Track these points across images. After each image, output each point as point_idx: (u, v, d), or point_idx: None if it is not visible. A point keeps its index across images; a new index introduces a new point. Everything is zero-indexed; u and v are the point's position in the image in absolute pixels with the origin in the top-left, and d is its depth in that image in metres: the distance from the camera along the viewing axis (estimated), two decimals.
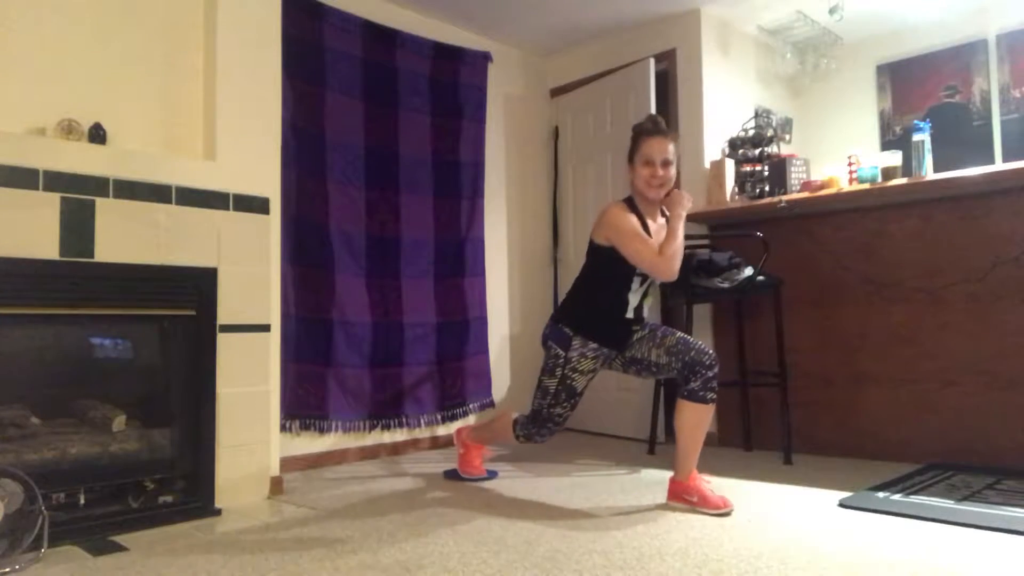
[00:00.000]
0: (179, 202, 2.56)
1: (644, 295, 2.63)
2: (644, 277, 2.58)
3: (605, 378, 4.24)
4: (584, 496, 2.72)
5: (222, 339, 2.64)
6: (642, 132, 2.58)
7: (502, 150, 4.38)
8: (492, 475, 3.09)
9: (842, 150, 3.98)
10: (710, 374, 2.47)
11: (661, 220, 2.65)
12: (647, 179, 2.53)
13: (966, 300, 3.10)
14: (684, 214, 2.56)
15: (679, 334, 2.58)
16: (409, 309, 3.78)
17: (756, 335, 3.66)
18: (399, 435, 3.72)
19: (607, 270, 2.58)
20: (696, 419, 2.50)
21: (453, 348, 3.97)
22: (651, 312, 2.75)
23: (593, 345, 2.59)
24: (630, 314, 2.61)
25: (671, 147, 2.54)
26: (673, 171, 2.55)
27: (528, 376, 4.40)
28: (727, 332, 3.78)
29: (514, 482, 3.01)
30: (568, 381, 2.61)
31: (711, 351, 2.51)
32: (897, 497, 2.54)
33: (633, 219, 2.53)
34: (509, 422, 2.84)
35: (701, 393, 2.47)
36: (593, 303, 2.63)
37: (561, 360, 2.61)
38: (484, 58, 4.22)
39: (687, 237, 2.83)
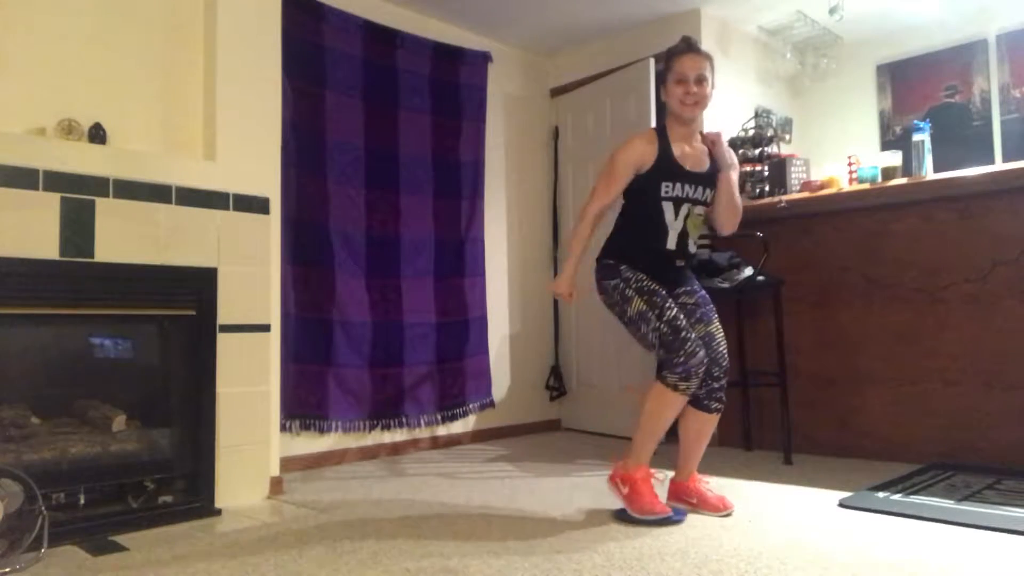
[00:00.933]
0: (179, 202, 2.56)
1: (685, 224, 2.45)
2: (676, 201, 2.43)
3: (605, 378, 4.24)
4: (584, 496, 2.72)
5: (222, 339, 2.64)
6: (674, 52, 2.48)
7: (502, 150, 4.38)
8: (680, 515, 2.37)
9: (842, 150, 3.99)
10: (716, 385, 2.43)
11: (698, 144, 2.52)
12: (681, 97, 2.42)
13: (966, 300, 3.10)
14: (731, 169, 2.49)
15: (711, 327, 2.45)
16: (409, 309, 3.78)
17: (756, 335, 3.66)
18: (399, 435, 3.72)
19: (638, 199, 2.48)
20: (699, 426, 2.48)
21: (453, 348, 3.97)
22: (696, 242, 2.55)
23: (641, 275, 2.43)
24: (671, 245, 2.44)
25: (706, 64, 2.45)
26: (708, 89, 2.44)
27: (528, 376, 4.40)
28: (727, 332, 3.74)
29: (514, 482, 3.01)
30: (646, 288, 2.39)
31: (726, 362, 2.43)
32: (897, 497, 2.54)
33: (630, 157, 2.43)
34: (651, 388, 2.39)
35: (706, 402, 2.44)
36: (634, 234, 2.50)
37: (621, 285, 2.43)
38: (484, 58, 4.22)
39: None
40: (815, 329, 3.51)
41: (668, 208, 2.44)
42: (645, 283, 2.42)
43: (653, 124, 3.90)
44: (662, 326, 2.33)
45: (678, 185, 2.43)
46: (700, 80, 2.42)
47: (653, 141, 2.46)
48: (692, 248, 2.51)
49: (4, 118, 2.37)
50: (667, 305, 2.37)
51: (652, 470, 2.45)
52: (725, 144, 2.55)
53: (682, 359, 2.30)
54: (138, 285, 2.46)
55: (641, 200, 2.48)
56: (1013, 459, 2.93)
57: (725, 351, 2.46)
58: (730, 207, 2.53)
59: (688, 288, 2.53)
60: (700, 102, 2.44)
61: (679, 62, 2.45)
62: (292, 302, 3.31)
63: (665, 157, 2.44)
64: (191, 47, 2.79)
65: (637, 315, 2.39)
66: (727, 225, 2.57)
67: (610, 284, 2.47)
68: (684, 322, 2.35)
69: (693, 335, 2.34)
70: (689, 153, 2.48)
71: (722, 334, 2.48)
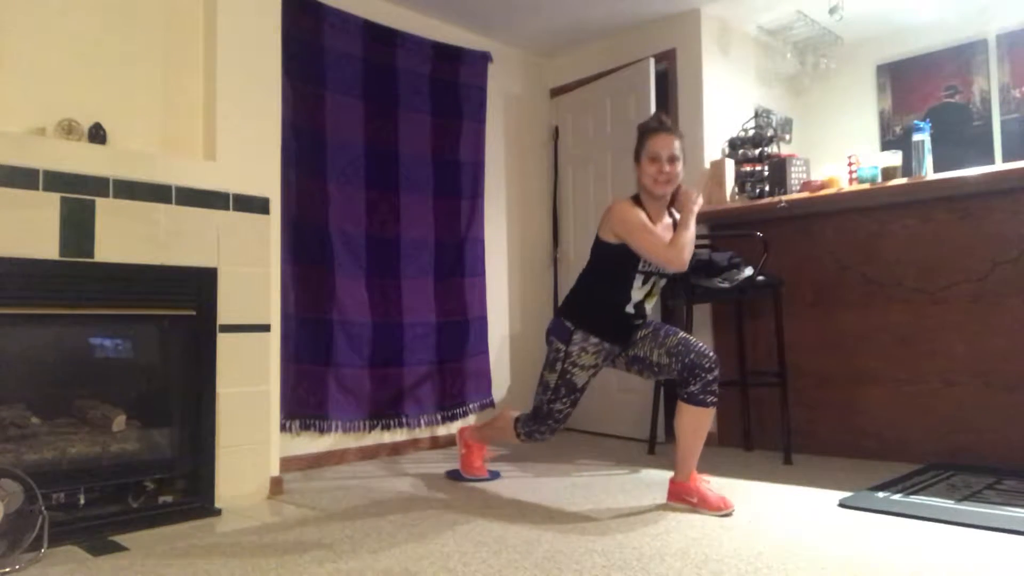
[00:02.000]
0: (179, 202, 2.56)
1: (648, 294, 2.62)
2: (647, 276, 2.57)
3: (605, 378, 4.23)
4: (584, 496, 2.72)
5: (222, 339, 2.64)
6: (648, 129, 2.57)
7: (502, 150, 4.38)
8: (494, 476, 3.08)
9: (842, 150, 3.99)
10: (710, 377, 2.45)
11: (667, 220, 2.64)
12: (654, 176, 2.51)
13: (966, 300, 3.10)
14: (696, 209, 2.55)
15: (681, 335, 2.57)
16: (409, 309, 3.78)
17: (756, 335, 3.66)
18: (399, 435, 3.72)
19: (611, 267, 2.58)
20: (696, 422, 2.49)
21: (453, 348, 3.97)
22: (652, 311, 2.74)
23: (594, 340, 2.59)
24: (631, 309, 2.60)
25: (677, 143, 2.53)
26: (680, 167, 2.53)
27: (528, 376, 4.40)
28: (727, 332, 3.78)
29: (514, 482, 3.01)
30: (568, 376, 2.61)
31: (712, 354, 2.49)
32: (897, 497, 2.54)
33: (641, 213, 2.53)
34: (510, 421, 2.83)
35: (700, 396, 2.46)
36: (595, 298, 2.62)
37: (562, 354, 2.61)
38: (484, 58, 4.22)
39: None
40: (815, 329, 3.51)
41: (638, 280, 2.57)
42: (578, 363, 2.59)
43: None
44: (547, 405, 2.65)
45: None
46: (672, 159, 2.52)
47: (639, 208, 2.55)
48: (648, 311, 2.67)
49: (4, 118, 2.37)
50: (562, 399, 2.63)
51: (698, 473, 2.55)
52: (690, 196, 2.59)
53: (533, 428, 2.72)
54: (138, 285, 2.46)
55: (614, 268, 2.58)
56: (1013, 459, 2.93)
57: (703, 347, 2.51)
58: (680, 245, 2.52)
59: (641, 335, 2.65)
60: (672, 180, 2.54)
61: (653, 141, 2.53)
62: (292, 302, 3.31)
63: None
64: (191, 47, 2.79)
65: (546, 383, 2.66)
66: (671, 263, 2.52)
67: (555, 344, 2.65)
68: (559, 415, 2.66)
69: (547, 428, 2.69)
70: (661, 229, 2.58)
71: (695, 338, 2.58)
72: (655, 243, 2.47)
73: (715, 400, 2.48)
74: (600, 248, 2.62)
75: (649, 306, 2.67)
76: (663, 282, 2.66)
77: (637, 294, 2.59)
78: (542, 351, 4.62)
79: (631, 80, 4.08)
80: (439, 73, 3.99)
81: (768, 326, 3.48)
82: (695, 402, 2.46)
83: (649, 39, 4.14)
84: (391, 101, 3.79)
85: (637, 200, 2.59)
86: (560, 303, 2.74)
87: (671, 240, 2.49)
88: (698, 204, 2.58)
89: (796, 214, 3.51)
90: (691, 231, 2.51)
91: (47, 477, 2.22)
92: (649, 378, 2.74)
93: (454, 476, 3.10)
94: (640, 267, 2.55)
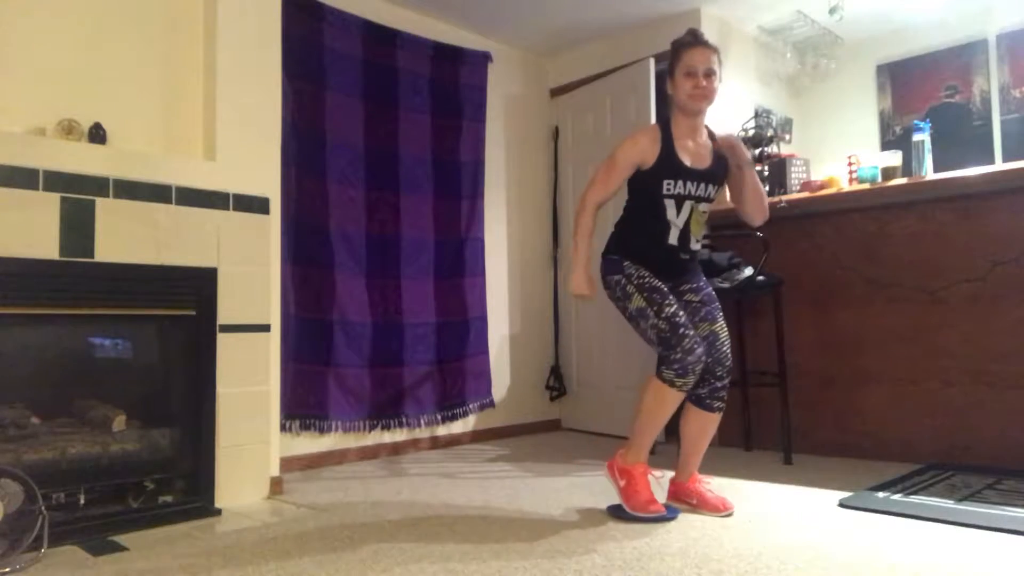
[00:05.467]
0: (179, 202, 2.56)
1: (689, 221, 2.44)
2: (677, 199, 2.42)
3: (605, 378, 4.24)
4: (584, 496, 2.72)
5: (222, 339, 2.64)
6: (682, 44, 2.46)
7: (502, 150, 4.38)
8: (673, 513, 2.39)
9: (842, 150, 3.99)
10: (719, 384, 2.43)
11: (703, 139, 2.50)
12: (690, 91, 2.39)
13: (966, 300, 3.10)
14: (744, 163, 2.48)
15: (715, 326, 2.44)
16: (409, 309, 3.78)
17: (756, 335, 3.66)
18: (399, 435, 3.72)
19: (639, 195, 2.48)
20: (700, 425, 2.47)
21: (453, 348, 3.97)
22: (701, 238, 2.56)
23: (644, 271, 2.43)
24: (674, 241, 2.44)
25: (714, 57, 2.43)
26: (717, 82, 2.43)
27: (528, 376, 4.40)
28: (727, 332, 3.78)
29: (514, 482, 3.01)
30: (647, 284, 2.39)
31: (729, 362, 2.43)
32: (897, 497, 2.54)
33: (631, 152, 2.43)
34: (650, 383, 2.38)
35: (708, 401, 2.44)
36: (636, 229, 2.50)
37: (623, 280, 2.43)
38: (484, 58, 4.22)
39: None
40: (815, 329, 3.51)
41: (670, 205, 2.43)
42: (646, 280, 2.41)
43: (652, 123, 3.90)
44: (660, 323, 2.34)
45: (680, 183, 2.41)
46: (709, 73, 2.41)
47: (656, 138, 2.44)
48: (695, 246, 2.50)
49: (4, 118, 2.37)
50: (666, 302, 2.36)
51: (651, 469, 2.45)
52: (741, 145, 2.53)
53: (679, 356, 2.29)
54: (138, 285, 2.46)
55: (643, 196, 2.47)
56: (1013, 459, 2.93)
57: (728, 351, 2.45)
58: (756, 199, 2.54)
59: (694, 285, 2.53)
60: (709, 95, 2.42)
61: (688, 55, 2.42)
62: (292, 302, 3.31)
63: (668, 154, 2.42)
64: (191, 47, 2.79)
65: (637, 311, 2.40)
66: (758, 215, 2.57)
67: (613, 279, 2.47)
68: (683, 319, 2.34)
69: (692, 332, 2.33)
70: (692, 149, 2.46)
71: (727, 333, 2.48)
72: (593, 182, 2.45)
73: (722, 406, 2.45)
74: (629, 180, 2.51)
75: (696, 237, 2.48)
76: (704, 207, 2.48)
77: (676, 221, 2.43)
78: (542, 351, 4.63)
79: (631, 80, 4.08)
80: (439, 73, 3.99)
81: (768, 326, 3.48)
82: (702, 406, 2.45)
83: (649, 39, 4.14)
84: (391, 101, 3.79)
85: (666, 125, 2.47)
86: (606, 242, 2.57)
87: (591, 195, 2.45)
88: (742, 153, 2.49)
89: (796, 214, 3.51)
90: (577, 236, 2.47)
91: (47, 477, 2.22)
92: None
93: (618, 512, 2.43)
94: (665, 190, 2.41)
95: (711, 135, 2.55)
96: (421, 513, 2.50)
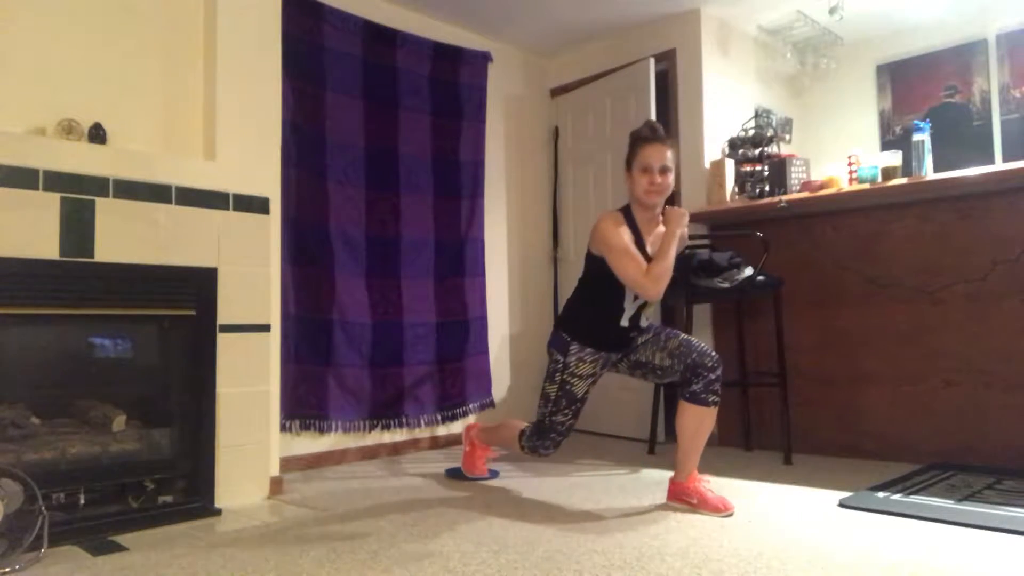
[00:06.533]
0: (179, 202, 2.56)
1: (642, 306, 2.58)
2: None
3: (605, 378, 4.22)
4: (584, 496, 2.72)
5: (222, 339, 2.64)
6: (640, 139, 2.52)
7: (502, 150, 4.38)
8: (494, 475, 3.09)
9: (842, 150, 3.98)
10: (712, 376, 2.45)
11: (660, 229, 2.59)
12: (645, 187, 2.47)
13: (966, 300, 3.10)
14: (679, 232, 2.48)
15: (683, 336, 2.56)
16: (409, 309, 3.78)
17: (756, 335, 3.66)
18: (399, 435, 3.72)
19: (602, 279, 2.54)
20: (697, 421, 2.48)
21: (453, 348, 3.97)
22: (653, 316, 2.71)
23: (590, 349, 2.58)
24: (625, 323, 2.57)
25: (669, 154, 2.48)
26: (671, 178, 2.50)
27: (528, 376, 4.40)
28: (727, 332, 3.78)
29: (514, 482, 3.01)
30: (567, 387, 2.59)
31: (714, 354, 2.48)
32: (897, 497, 2.54)
33: (623, 233, 2.46)
34: (516, 432, 2.79)
35: (703, 396, 2.45)
36: (589, 309, 2.61)
37: (560, 365, 2.60)
38: (484, 58, 4.22)
39: (689, 237, 2.81)
40: (815, 329, 3.51)
41: (629, 295, 2.53)
42: (576, 373, 2.58)
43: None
44: (547, 418, 2.64)
45: None
46: (664, 170, 2.48)
47: (624, 226, 2.50)
48: (644, 323, 2.63)
49: (4, 118, 2.37)
50: (564, 411, 2.61)
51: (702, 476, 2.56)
52: (684, 221, 2.56)
53: (537, 443, 2.69)
54: (138, 285, 2.46)
55: (605, 284, 2.54)
56: (1013, 459, 2.93)
57: (706, 348, 2.51)
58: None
59: (642, 340, 2.63)
60: (663, 191, 2.51)
61: (644, 151, 2.49)
62: (292, 302, 3.31)
63: (637, 246, 2.49)
64: (191, 47, 2.79)
65: (545, 394, 2.65)
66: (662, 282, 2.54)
67: (553, 355, 2.64)
68: (562, 429, 2.64)
69: (553, 443, 2.67)
70: (652, 240, 2.55)
71: (694, 338, 2.58)
72: (631, 269, 2.41)
73: (717, 400, 2.47)
74: (590, 261, 2.60)
75: (647, 316, 2.62)
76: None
77: (630, 307, 2.56)
78: (542, 351, 4.61)
79: (631, 80, 4.08)
80: (439, 73, 3.99)
81: (768, 326, 3.48)
82: (697, 401, 2.46)
83: (649, 39, 4.14)
84: (391, 101, 3.79)
85: (627, 211, 2.56)
86: (559, 312, 2.73)
87: (648, 267, 2.42)
88: (682, 226, 2.50)
89: (796, 214, 3.51)
90: (669, 259, 2.43)
91: (47, 477, 2.22)
92: (653, 382, 2.73)
93: (454, 474, 3.11)
94: None
95: (663, 214, 2.61)
96: (421, 513, 2.50)
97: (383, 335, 3.66)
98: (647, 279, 2.41)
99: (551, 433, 2.65)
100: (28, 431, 2.35)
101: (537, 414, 2.69)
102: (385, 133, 3.75)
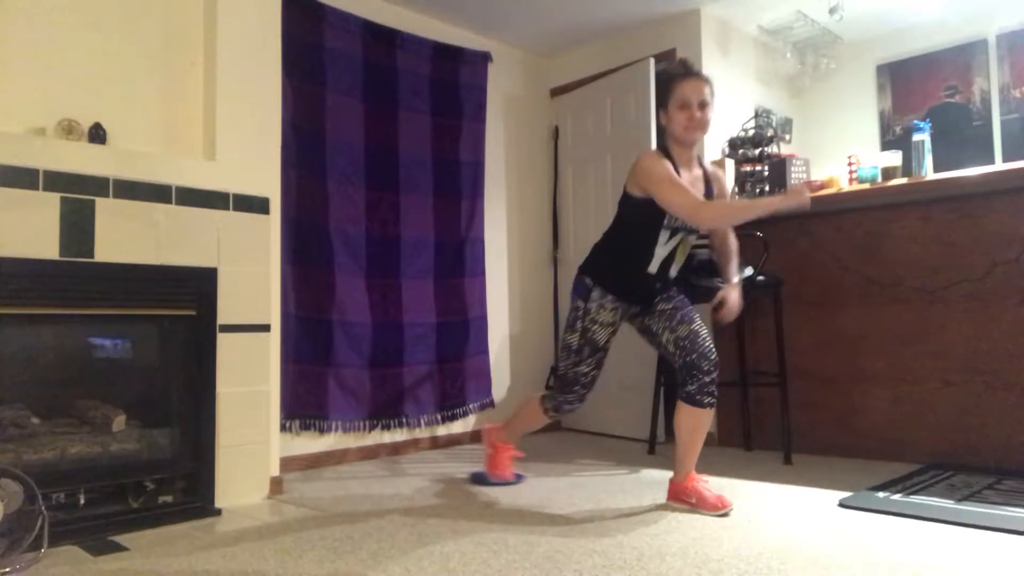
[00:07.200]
0: (179, 202, 2.56)
1: (673, 252, 2.51)
2: (674, 231, 2.47)
3: (605, 378, 4.22)
4: (584, 496, 2.72)
5: (222, 339, 2.64)
6: (675, 75, 2.48)
7: (502, 150, 4.38)
8: (520, 479, 2.98)
9: (842, 150, 3.99)
10: (707, 379, 2.43)
11: (697, 171, 2.53)
12: (684, 123, 2.42)
13: (966, 300, 3.10)
14: (778, 203, 2.28)
15: (694, 325, 2.49)
16: (409, 309, 3.78)
17: (756, 335, 3.66)
18: (399, 435, 3.72)
19: (637, 221, 2.49)
20: (693, 422, 2.48)
21: (453, 348, 3.97)
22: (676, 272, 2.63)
23: (611, 296, 2.52)
24: (653, 268, 2.50)
25: (706, 88, 2.44)
26: (710, 113, 2.45)
27: (528, 376, 4.40)
28: (727, 332, 3.78)
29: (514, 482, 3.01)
30: (589, 334, 2.53)
31: (714, 356, 2.45)
32: (897, 497, 2.54)
33: (668, 165, 2.41)
34: (535, 402, 2.74)
35: (697, 397, 2.45)
36: (617, 254, 2.54)
37: (580, 312, 2.54)
38: (484, 58, 4.22)
39: None
40: (815, 329, 3.51)
41: (664, 236, 2.48)
42: (598, 319, 2.53)
43: (652, 122, 3.90)
44: (571, 369, 2.58)
45: None
46: (703, 104, 2.43)
47: (666, 160, 2.45)
48: (673, 272, 2.57)
49: (4, 118, 2.37)
50: (587, 360, 2.56)
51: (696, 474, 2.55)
52: (724, 176, 2.61)
53: (560, 399, 2.64)
54: (138, 285, 2.46)
55: (639, 225, 2.49)
56: (1013, 459, 2.93)
57: (711, 346, 2.48)
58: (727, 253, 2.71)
59: (665, 295, 2.59)
60: (704, 126, 2.45)
61: (680, 87, 2.44)
62: (292, 302, 3.31)
63: None
64: (191, 47, 2.79)
65: (566, 344, 2.59)
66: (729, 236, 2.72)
67: (575, 302, 2.58)
68: (586, 380, 2.59)
69: (579, 395, 2.62)
70: (690, 180, 2.48)
71: (706, 331, 2.52)
72: (681, 196, 2.32)
73: (712, 401, 2.46)
74: (626, 202, 2.53)
75: (675, 268, 2.57)
76: (692, 239, 2.55)
77: (661, 251, 2.48)
78: (542, 351, 4.63)
79: (631, 80, 4.08)
80: (439, 73, 3.99)
81: (768, 326, 3.48)
82: (692, 402, 2.46)
83: (649, 39, 4.14)
84: (391, 101, 3.79)
85: (664, 151, 2.50)
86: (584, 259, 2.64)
87: (716, 202, 2.42)
88: (791, 206, 2.29)
89: (796, 214, 3.51)
90: (739, 210, 2.44)
91: (47, 477, 2.22)
92: (657, 351, 2.70)
93: (479, 480, 2.97)
94: (666, 222, 2.44)
95: (700, 162, 2.59)
96: (421, 513, 2.50)
97: (383, 335, 3.66)
98: (703, 207, 2.33)
99: (575, 385, 2.59)
100: (28, 431, 2.35)
101: (560, 368, 2.64)
102: (385, 133, 3.75)
